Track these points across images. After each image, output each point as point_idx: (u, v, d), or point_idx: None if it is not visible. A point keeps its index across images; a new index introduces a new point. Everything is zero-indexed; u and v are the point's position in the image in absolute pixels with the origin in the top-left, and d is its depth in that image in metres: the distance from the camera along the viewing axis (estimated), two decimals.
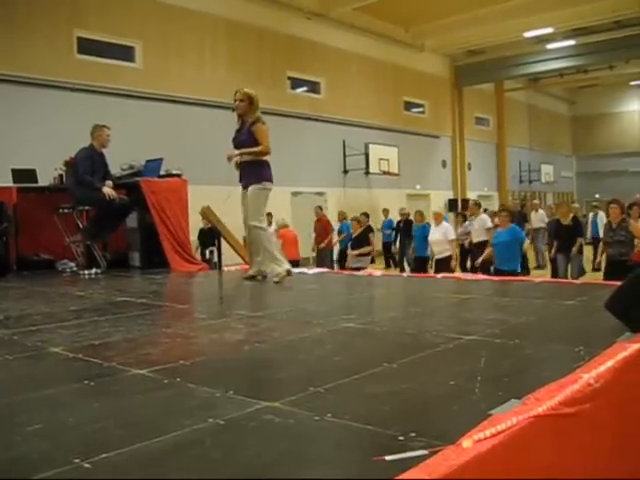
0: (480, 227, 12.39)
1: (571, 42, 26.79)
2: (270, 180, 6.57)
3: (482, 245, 11.68)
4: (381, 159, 23.38)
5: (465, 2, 21.57)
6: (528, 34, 25.12)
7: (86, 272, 7.78)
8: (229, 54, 18.86)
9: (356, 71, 23.12)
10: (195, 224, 8.95)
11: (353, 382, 2.54)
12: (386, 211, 19.88)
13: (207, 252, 13.43)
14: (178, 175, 8.64)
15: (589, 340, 3.09)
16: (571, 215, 11.65)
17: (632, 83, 36.70)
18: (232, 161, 6.64)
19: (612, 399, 2.36)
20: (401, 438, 1.86)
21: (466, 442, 1.76)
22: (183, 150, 15.09)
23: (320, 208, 16.87)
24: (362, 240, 13.10)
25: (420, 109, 27.65)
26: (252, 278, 6.67)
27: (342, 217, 16.31)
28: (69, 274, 8.06)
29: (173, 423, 2.08)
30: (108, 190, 7.59)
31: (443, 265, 11.33)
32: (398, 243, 17.23)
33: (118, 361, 3.01)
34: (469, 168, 30.02)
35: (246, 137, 6.57)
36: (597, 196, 31.61)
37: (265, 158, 6.59)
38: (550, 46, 27.19)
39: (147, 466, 1.78)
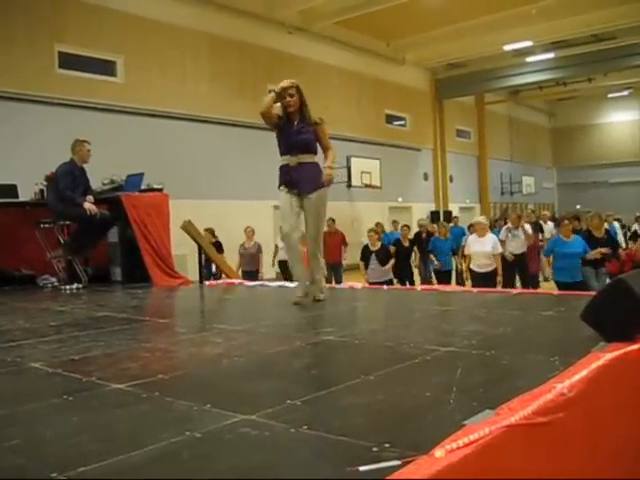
0: (522, 238, 11.93)
1: (550, 55, 27.08)
2: None
3: (522, 256, 11.56)
4: (363, 172, 23.45)
5: (445, 16, 21.76)
6: (508, 47, 25.36)
7: (67, 287, 7.77)
8: (211, 68, 18.89)
9: (337, 84, 23.21)
10: (178, 239, 8.92)
11: (329, 394, 2.56)
12: (396, 223, 18.30)
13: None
14: (159, 189, 8.64)
15: (565, 350, 3.11)
16: (604, 227, 10.90)
17: (610, 95, 37.10)
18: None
19: (585, 408, 2.38)
20: (375, 449, 1.88)
21: (439, 452, 1.78)
22: (165, 164, 15.10)
23: (333, 221, 15.16)
24: (387, 253, 12.06)
25: (401, 122, 27.78)
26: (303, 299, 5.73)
27: (381, 229, 14.88)
28: (50, 289, 8.04)
29: (150, 436, 2.09)
30: (89, 205, 7.60)
31: (489, 280, 10.02)
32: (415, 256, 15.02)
33: (97, 376, 3.02)
34: (451, 180, 30.17)
35: (311, 136, 5.72)
36: (578, 207, 31.88)
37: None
38: (529, 59, 27.47)
39: (124, 479, 1.79)
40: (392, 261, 11.91)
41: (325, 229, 14.29)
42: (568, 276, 9.33)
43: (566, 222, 10.11)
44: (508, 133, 36.48)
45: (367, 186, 23.62)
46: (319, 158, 5.80)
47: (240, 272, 12.37)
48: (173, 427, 2.19)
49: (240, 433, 2.11)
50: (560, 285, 9.27)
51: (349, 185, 23.35)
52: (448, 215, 27.15)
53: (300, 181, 5.68)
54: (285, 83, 5.59)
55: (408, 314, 5.28)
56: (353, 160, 23.11)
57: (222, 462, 1.89)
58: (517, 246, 11.78)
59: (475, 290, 6.75)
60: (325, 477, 1.75)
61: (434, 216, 27.43)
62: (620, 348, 2.88)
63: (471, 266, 10.43)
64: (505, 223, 13.42)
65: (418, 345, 3.49)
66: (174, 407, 2.50)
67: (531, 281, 12.32)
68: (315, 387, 2.64)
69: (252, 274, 12.51)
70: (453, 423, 2.04)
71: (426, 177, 28.95)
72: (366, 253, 11.79)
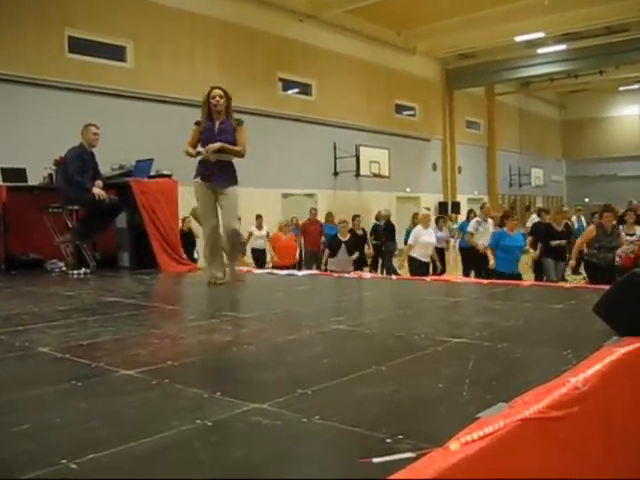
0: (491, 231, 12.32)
1: (562, 47, 26.90)
2: None
3: None
4: (372, 161, 23.37)
5: (457, 6, 21.66)
6: (519, 38, 25.20)
7: (75, 272, 7.75)
8: (221, 55, 18.82)
9: (348, 73, 23.13)
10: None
11: (341, 384, 2.54)
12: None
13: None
14: (168, 175, 8.62)
15: (577, 344, 3.09)
16: (564, 221, 11.44)
17: (621, 88, 36.85)
18: (209, 153, 6.24)
19: (599, 402, 2.37)
20: (388, 440, 1.86)
21: (453, 445, 1.76)
22: (174, 150, 15.00)
23: (313, 212, 16.07)
24: (356, 243, 12.45)
25: (411, 112, 27.68)
26: (220, 284, 6.37)
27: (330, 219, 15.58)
28: (58, 274, 8.02)
29: (161, 424, 2.07)
30: (98, 190, 7.56)
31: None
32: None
33: (106, 362, 3.00)
34: (459, 171, 30.08)
35: (232, 136, 6.40)
36: (586, 200, 31.78)
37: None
38: (541, 50, 27.30)
39: (134, 467, 1.77)
40: (357, 253, 12.21)
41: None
42: (508, 267, 9.85)
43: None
44: (518, 125, 36.32)
45: (375, 175, 23.55)
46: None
47: None
48: (183, 415, 2.17)
49: (251, 422, 2.09)
50: (499, 275, 9.58)
51: (357, 174, 23.30)
52: (456, 206, 27.20)
53: (216, 176, 6.36)
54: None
55: (418, 305, 5.26)
56: (362, 149, 23.05)
57: (233, 451, 1.87)
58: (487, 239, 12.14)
59: (485, 282, 6.72)
60: (338, 468, 1.73)
61: (442, 207, 27.40)
62: (633, 342, 2.86)
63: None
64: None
65: (429, 336, 3.46)
66: (184, 394, 2.48)
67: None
68: (326, 376, 2.61)
69: None
70: (467, 416, 2.02)
71: (435, 168, 28.86)
72: (333, 243, 12.04)
